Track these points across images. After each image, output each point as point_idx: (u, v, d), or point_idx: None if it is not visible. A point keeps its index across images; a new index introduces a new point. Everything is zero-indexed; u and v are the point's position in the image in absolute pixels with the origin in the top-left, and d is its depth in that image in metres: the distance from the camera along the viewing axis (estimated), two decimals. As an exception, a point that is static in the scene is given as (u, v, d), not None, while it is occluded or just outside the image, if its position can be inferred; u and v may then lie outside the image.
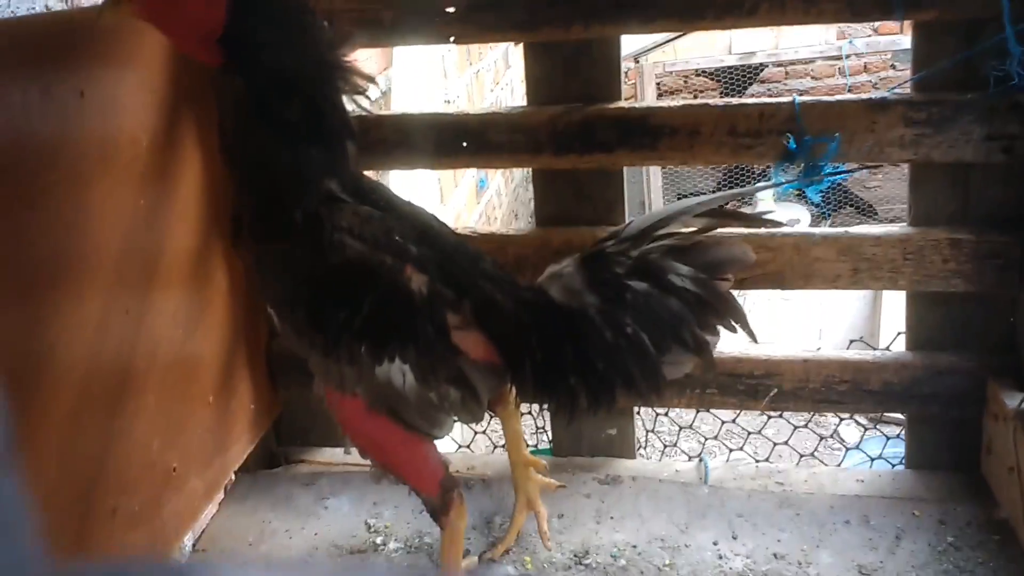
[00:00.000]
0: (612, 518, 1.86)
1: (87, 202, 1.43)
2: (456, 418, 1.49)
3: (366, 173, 1.60)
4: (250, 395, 1.99)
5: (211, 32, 1.29)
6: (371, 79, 1.42)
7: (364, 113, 1.45)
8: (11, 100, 1.29)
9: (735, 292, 1.56)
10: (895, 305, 3.99)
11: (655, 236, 1.52)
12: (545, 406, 1.58)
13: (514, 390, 1.56)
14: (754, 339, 1.58)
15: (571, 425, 1.53)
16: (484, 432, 2.46)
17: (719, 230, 1.62)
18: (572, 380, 1.48)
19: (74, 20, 1.56)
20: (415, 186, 3.33)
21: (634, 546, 1.78)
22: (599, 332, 1.46)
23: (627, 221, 1.67)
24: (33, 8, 1.68)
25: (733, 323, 1.53)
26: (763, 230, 1.81)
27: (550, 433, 2.16)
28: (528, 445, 1.87)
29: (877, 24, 6.61)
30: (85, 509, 1.43)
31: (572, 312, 1.48)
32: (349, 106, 1.41)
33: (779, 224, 1.91)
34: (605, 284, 1.49)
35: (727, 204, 1.56)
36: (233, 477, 2.01)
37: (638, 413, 2.21)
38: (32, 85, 1.33)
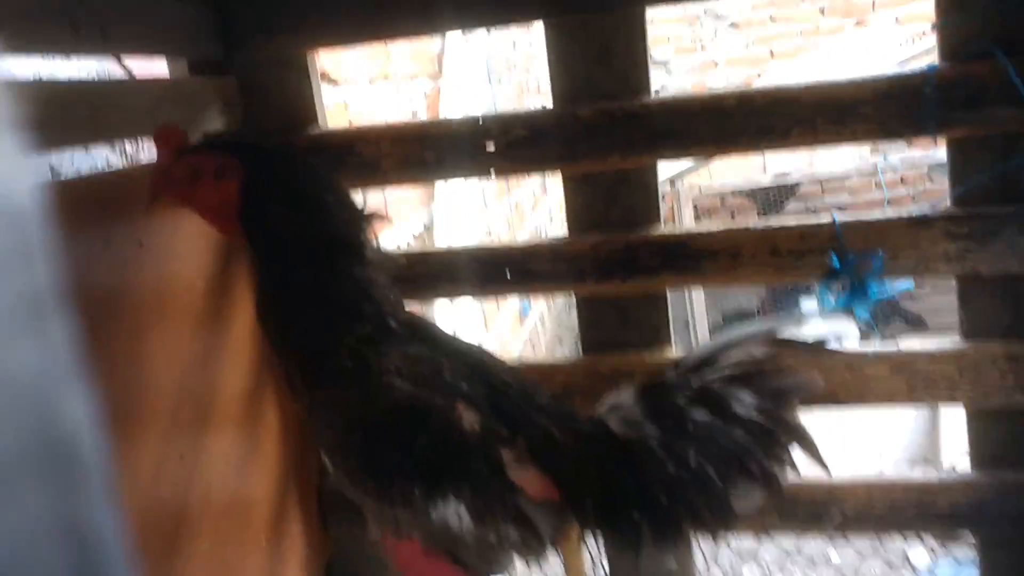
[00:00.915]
0: (676, 656, 1.78)
1: (145, 349, 1.47)
2: (517, 556, 1.45)
3: (410, 307, 1.63)
4: (303, 537, 1.97)
5: (231, 211, 1.38)
6: (388, 255, 1.48)
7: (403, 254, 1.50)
8: (75, 253, 1.35)
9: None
10: (956, 420, 3.88)
11: (718, 366, 1.48)
12: (605, 539, 1.52)
13: (577, 526, 1.52)
14: (826, 470, 1.52)
15: (634, 557, 1.47)
16: (539, 566, 2.40)
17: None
18: (636, 515, 1.44)
19: (132, 175, 1.64)
20: (458, 314, 3.36)
21: None
22: (661, 464, 1.41)
23: (683, 345, 1.65)
24: (95, 165, 1.78)
25: (804, 454, 1.47)
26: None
27: (607, 566, 2.09)
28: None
29: (910, 140, 6.68)
30: (138, 661, 1.40)
31: (632, 444, 1.45)
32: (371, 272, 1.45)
33: (838, 352, 1.88)
34: (666, 415, 1.45)
35: (787, 329, 1.52)
36: (285, 621, 1.97)
37: (698, 544, 2.14)
38: (95, 238, 1.39)
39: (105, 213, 1.45)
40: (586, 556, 1.81)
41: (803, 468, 1.57)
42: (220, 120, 1.87)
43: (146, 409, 1.46)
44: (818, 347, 1.73)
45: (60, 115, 1.41)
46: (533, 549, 1.42)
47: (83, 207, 1.41)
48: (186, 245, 1.62)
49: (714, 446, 1.41)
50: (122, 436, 1.39)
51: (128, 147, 1.92)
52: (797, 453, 1.47)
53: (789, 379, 1.47)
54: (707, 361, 1.47)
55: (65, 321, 0.25)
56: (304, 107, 1.97)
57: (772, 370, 1.48)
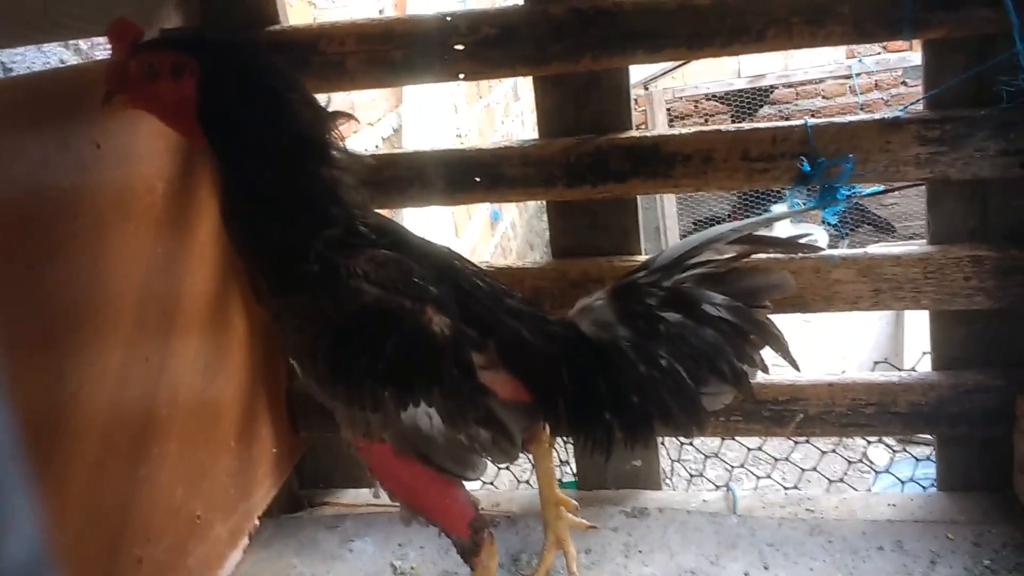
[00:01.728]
0: (640, 552, 1.83)
1: (105, 251, 1.44)
2: (489, 458, 1.47)
3: (381, 212, 1.60)
4: (272, 439, 1.99)
5: (188, 111, 1.32)
6: (356, 156, 1.44)
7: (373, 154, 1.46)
8: (29, 153, 1.31)
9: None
10: (919, 324, 3.96)
11: (687, 265, 1.48)
12: (577, 441, 1.54)
13: (548, 428, 1.54)
14: (796, 367, 1.54)
15: (604, 459, 1.49)
16: (507, 468, 2.44)
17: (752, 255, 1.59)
18: (607, 415, 1.46)
19: (88, 73, 1.58)
20: (429, 221, 3.34)
21: (664, 579, 1.75)
22: (632, 365, 1.43)
23: (654, 252, 1.65)
24: (48, 63, 1.71)
25: (774, 352, 1.49)
26: (784, 255, 1.79)
27: (574, 466, 2.14)
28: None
29: (886, 42, 6.62)
30: (110, 560, 1.42)
31: (604, 346, 1.46)
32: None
33: (816, 249, 1.88)
34: (637, 316, 1.46)
35: (757, 230, 1.52)
36: (257, 523, 2.00)
37: (663, 443, 2.19)
38: (49, 138, 1.35)
39: (61, 113, 1.40)
40: (555, 457, 1.84)
41: (770, 368, 1.59)
42: (176, 16, 1.80)
43: (109, 311, 1.44)
44: (791, 243, 1.74)
45: (10, 11, 1.34)
46: (505, 451, 1.44)
47: (37, 106, 1.36)
48: (145, 146, 1.58)
49: (685, 346, 1.43)
50: (85, 338, 1.38)
51: (82, 44, 1.85)
52: (767, 352, 1.49)
53: (761, 278, 1.48)
54: (678, 261, 1.48)
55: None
56: (264, 2, 1.90)
57: (743, 269, 1.49)
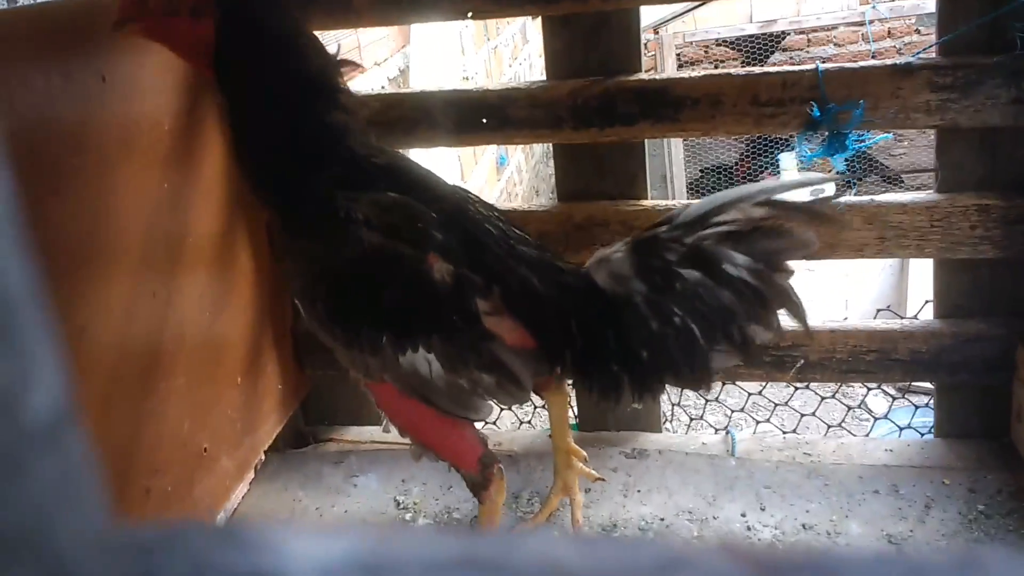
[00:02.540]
0: (639, 491, 1.86)
1: (111, 186, 1.44)
2: (495, 401, 1.48)
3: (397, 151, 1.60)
4: (277, 375, 2.01)
5: (205, 51, 1.34)
6: (363, 99, 1.44)
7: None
8: (33, 86, 1.30)
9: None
10: (923, 273, 3.95)
11: (712, 223, 1.42)
12: (584, 389, 1.54)
13: (561, 375, 1.54)
14: (809, 334, 1.51)
15: (611, 408, 1.49)
16: (509, 408, 2.47)
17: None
18: (616, 368, 1.46)
19: (93, 5, 1.57)
20: (435, 164, 3.33)
21: (662, 519, 1.78)
22: (644, 321, 1.42)
23: (660, 198, 1.60)
24: (52, -6, 1.69)
25: (790, 317, 1.45)
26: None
27: (575, 407, 2.16)
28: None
29: (901, -12, 6.51)
30: (119, 490, 1.45)
31: (616, 299, 1.44)
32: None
33: (839, 222, 1.78)
34: (655, 271, 1.43)
35: (785, 193, 1.46)
36: (263, 457, 2.04)
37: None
38: (53, 71, 1.34)
39: (65, 45, 1.39)
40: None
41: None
42: (182, -52, 1.78)
43: (115, 245, 1.45)
44: (818, 211, 1.52)
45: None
46: (512, 394, 1.45)
47: (41, 38, 1.35)
48: (151, 80, 1.57)
49: (701, 304, 1.40)
50: (92, 273, 1.39)
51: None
52: (783, 315, 1.44)
53: (784, 239, 1.42)
54: (703, 218, 1.42)
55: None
56: (271, -64, 1.87)
57: (767, 228, 1.42)
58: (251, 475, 2.00)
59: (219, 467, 1.76)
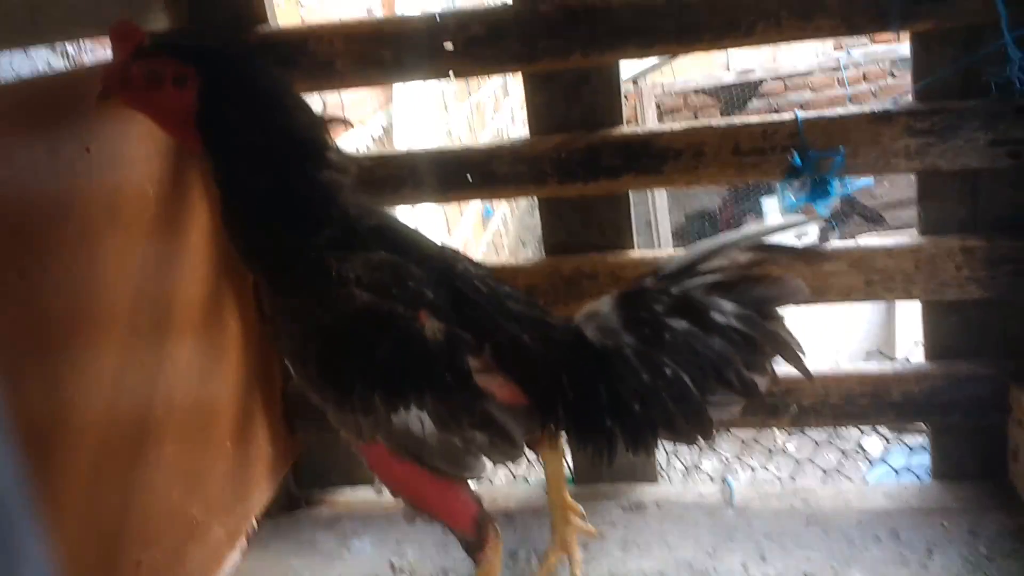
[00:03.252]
0: (638, 546, 1.84)
1: (98, 256, 1.44)
2: (488, 459, 1.47)
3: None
4: (268, 439, 1.99)
5: (188, 118, 1.33)
6: (352, 158, 1.44)
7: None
8: (18, 160, 1.30)
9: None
10: (910, 314, 3.97)
11: (698, 272, 1.44)
12: (578, 445, 1.52)
13: (555, 431, 1.52)
14: (809, 377, 1.50)
15: (606, 463, 1.47)
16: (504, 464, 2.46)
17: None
18: (608, 422, 1.44)
19: (77, 78, 1.58)
20: (421, 218, 3.33)
21: (662, 573, 1.76)
22: (635, 373, 1.41)
23: (646, 247, 1.61)
24: (36, 68, 1.70)
25: (786, 362, 1.44)
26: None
27: (570, 460, 2.14)
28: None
29: (874, 34, 6.63)
30: (110, 565, 1.42)
31: (607, 352, 1.43)
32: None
33: (824, 256, 1.79)
34: (643, 323, 1.43)
35: (770, 236, 1.47)
36: (255, 523, 2.00)
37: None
38: (38, 144, 1.34)
39: (49, 118, 1.39)
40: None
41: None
42: (165, 16, 1.80)
43: (102, 316, 1.44)
44: (805, 252, 1.62)
45: (-4, 15, 1.34)
46: (505, 452, 1.43)
47: (25, 112, 1.35)
48: (136, 149, 1.58)
49: (691, 354, 1.39)
50: (79, 343, 1.37)
51: (70, 48, 1.84)
52: (778, 361, 1.44)
53: (775, 286, 1.43)
54: (688, 267, 1.44)
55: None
56: (252, 3, 1.89)
57: (755, 277, 1.44)
58: (243, 543, 1.96)
59: (211, 536, 1.73)
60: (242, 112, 1.35)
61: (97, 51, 1.86)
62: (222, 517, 1.78)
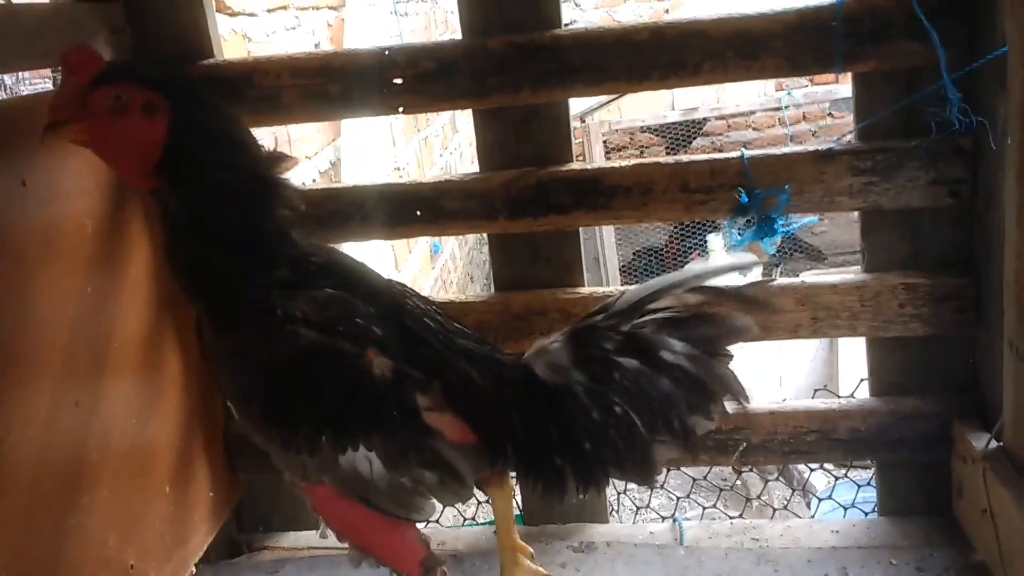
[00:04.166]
0: (589, 586, 1.81)
1: (32, 292, 1.39)
2: (437, 500, 1.43)
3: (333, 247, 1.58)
4: (208, 482, 1.93)
5: (151, 154, 1.28)
6: (304, 194, 1.43)
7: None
8: (-50, 193, 1.25)
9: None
10: (853, 349, 4.03)
11: (647, 310, 1.43)
12: (528, 483, 1.49)
13: (505, 469, 1.50)
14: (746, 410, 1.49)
15: (556, 502, 1.45)
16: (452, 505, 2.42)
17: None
18: (558, 460, 1.42)
19: (13, 109, 1.54)
20: (368, 253, 3.30)
21: (613, 614, 1.73)
22: (585, 411, 1.39)
23: (595, 283, 1.60)
24: (-29, 98, 1.65)
25: (733, 403, 1.43)
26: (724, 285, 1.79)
27: (520, 501, 2.11)
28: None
29: (816, 75, 6.81)
30: (38, 616, 1.36)
31: (557, 390, 1.42)
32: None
33: (772, 308, 1.79)
34: (593, 360, 1.42)
35: (720, 277, 1.47)
36: (194, 570, 1.93)
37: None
38: (-28, 176, 1.29)
39: (-18, 150, 1.35)
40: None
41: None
42: (108, 49, 1.76)
43: (36, 354, 1.39)
44: (751, 299, 1.51)
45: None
46: (455, 492, 1.40)
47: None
48: (74, 183, 1.53)
49: (641, 394, 1.38)
50: (12, 383, 1.32)
51: (7, 79, 1.79)
52: (724, 402, 1.43)
53: (723, 324, 1.42)
54: (638, 305, 1.43)
55: None
56: (198, 36, 1.87)
57: (705, 314, 1.43)
58: (182, 590, 1.89)
59: (147, 584, 1.66)
60: (211, 146, 1.32)
61: (35, 82, 1.82)
62: (160, 564, 1.71)
